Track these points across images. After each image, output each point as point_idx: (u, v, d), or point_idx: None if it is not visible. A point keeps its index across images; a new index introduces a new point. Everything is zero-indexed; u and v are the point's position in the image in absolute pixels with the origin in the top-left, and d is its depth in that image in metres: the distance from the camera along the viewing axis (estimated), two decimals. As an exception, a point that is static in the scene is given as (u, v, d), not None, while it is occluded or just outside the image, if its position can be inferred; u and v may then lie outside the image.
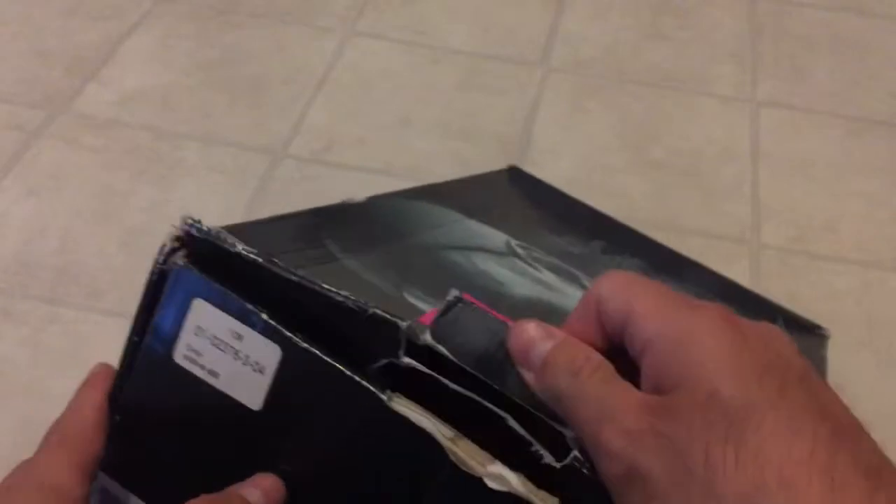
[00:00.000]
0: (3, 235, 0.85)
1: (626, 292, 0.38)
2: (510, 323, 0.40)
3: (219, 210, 0.88)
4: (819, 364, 0.61)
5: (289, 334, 0.40)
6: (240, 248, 0.41)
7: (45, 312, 0.78)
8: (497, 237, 0.58)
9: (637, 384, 0.37)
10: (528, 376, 0.38)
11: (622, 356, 0.38)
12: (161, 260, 0.45)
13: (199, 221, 0.44)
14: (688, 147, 0.99)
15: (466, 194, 0.67)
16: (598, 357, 0.38)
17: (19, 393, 0.73)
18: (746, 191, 0.95)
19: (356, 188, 0.92)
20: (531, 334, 0.39)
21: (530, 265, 0.56)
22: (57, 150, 0.93)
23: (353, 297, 0.39)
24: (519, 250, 0.57)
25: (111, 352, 0.77)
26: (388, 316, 0.39)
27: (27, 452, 0.69)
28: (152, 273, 0.45)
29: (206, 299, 0.42)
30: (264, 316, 0.40)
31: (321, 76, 1.04)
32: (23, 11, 1.09)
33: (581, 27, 1.14)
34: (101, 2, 1.11)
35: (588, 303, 0.39)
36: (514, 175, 0.76)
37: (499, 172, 0.75)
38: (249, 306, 0.41)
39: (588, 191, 0.93)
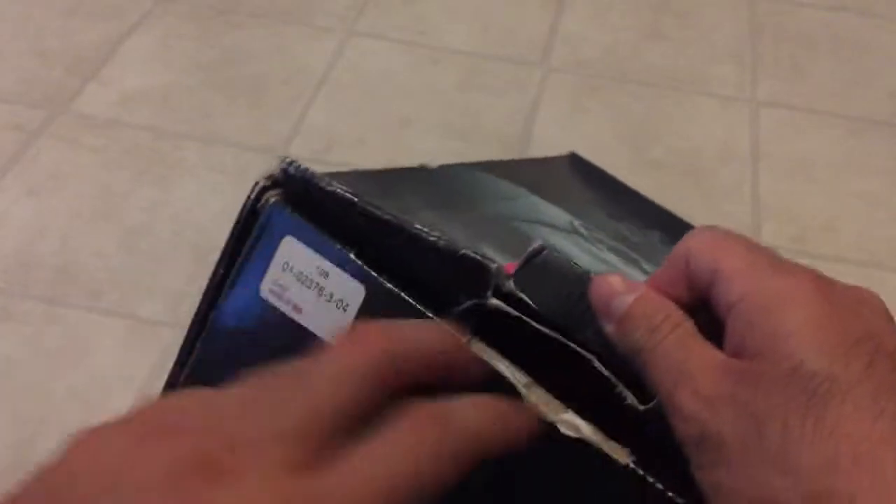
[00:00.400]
0: (3, 235, 0.85)
1: (716, 249, 0.37)
2: (592, 274, 0.40)
3: (219, 210, 0.88)
4: None
5: (374, 274, 0.41)
6: (335, 186, 0.42)
7: (45, 312, 0.78)
8: (562, 216, 0.58)
9: (720, 344, 0.35)
10: (609, 328, 0.38)
11: (707, 313, 0.37)
12: (253, 197, 0.46)
13: (296, 161, 0.44)
14: (688, 147, 0.99)
15: (531, 173, 0.67)
16: (679, 314, 0.37)
17: (19, 392, 0.73)
18: (746, 191, 0.95)
19: (356, 188, 0.92)
20: (614, 286, 0.38)
21: (594, 245, 0.56)
22: (57, 150, 0.93)
23: (445, 238, 0.40)
24: (582, 230, 0.57)
25: (111, 352, 0.77)
26: (478, 257, 0.39)
27: (27, 451, 0.70)
28: (244, 209, 0.46)
29: (296, 236, 0.43)
30: (351, 255, 0.41)
31: (321, 76, 1.04)
32: (23, 11, 1.09)
33: (581, 27, 1.14)
34: (101, 2, 1.11)
35: (677, 257, 0.38)
36: (575, 161, 0.77)
37: (560, 157, 0.75)
38: (337, 245, 0.41)
39: (588, 191, 0.94)
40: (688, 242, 0.38)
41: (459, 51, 1.09)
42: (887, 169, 0.98)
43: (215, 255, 0.85)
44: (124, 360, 0.76)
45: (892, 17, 1.19)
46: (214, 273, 0.47)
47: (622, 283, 0.38)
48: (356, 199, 0.42)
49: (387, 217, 0.41)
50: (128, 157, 0.93)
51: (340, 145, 0.96)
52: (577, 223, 0.58)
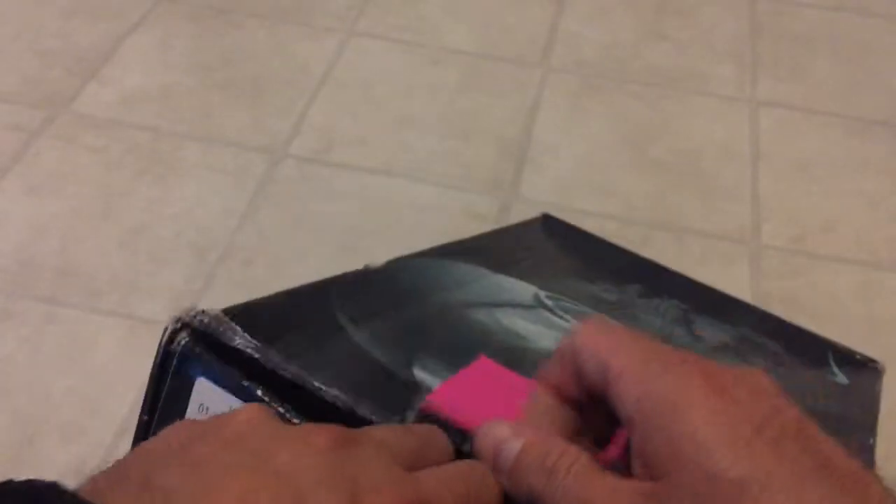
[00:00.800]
0: (3, 235, 0.85)
1: (603, 347, 0.36)
2: (477, 427, 0.40)
3: (219, 210, 0.88)
4: (872, 401, 0.59)
5: (282, 410, 0.42)
6: (237, 341, 0.43)
7: (45, 312, 0.78)
8: (525, 290, 0.58)
9: (626, 447, 0.35)
10: (501, 479, 0.36)
11: (603, 412, 0.36)
12: (165, 339, 0.47)
13: (203, 312, 0.46)
14: (688, 147, 0.99)
15: (495, 247, 0.66)
16: (572, 450, 0.35)
17: (19, 392, 0.73)
18: (746, 191, 0.95)
19: (356, 188, 0.92)
20: (498, 435, 0.37)
21: (559, 316, 0.56)
22: (57, 150, 0.93)
23: (342, 397, 0.41)
24: (547, 301, 0.57)
25: (111, 352, 0.77)
26: (373, 418, 0.40)
27: (27, 451, 0.70)
28: (158, 352, 0.47)
29: (208, 377, 0.45)
30: (259, 392, 0.42)
31: (321, 76, 1.04)
32: (23, 11, 1.09)
33: (581, 27, 1.14)
34: (101, 2, 1.11)
35: (564, 354, 0.37)
36: (548, 223, 0.76)
37: (532, 221, 0.75)
38: (246, 383, 0.43)
39: (588, 191, 0.93)
40: (574, 340, 0.37)
41: (459, 51, 1.09)
42: (887, 169, 0.98)
43: (215, 255, 0.86)
44: (124, 360, 0.76)
45: (892, 17, 1.19)
46: (139, 419, 0.48)
47: (507, 429, 0.37)
48: (257, 356, 0.43)
49: (287, 375, 0.42)
50: (128, 157, 0.93)
51: (340, 145, 0.96)
52: (543, 295, 0.57)
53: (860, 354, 0.65)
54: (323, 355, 0.43)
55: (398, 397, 0.42)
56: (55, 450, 0.69)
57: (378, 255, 0.91)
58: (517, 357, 0.49)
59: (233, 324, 0.44)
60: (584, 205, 0.92)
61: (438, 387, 0.45)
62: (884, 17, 1.19)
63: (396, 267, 0.57)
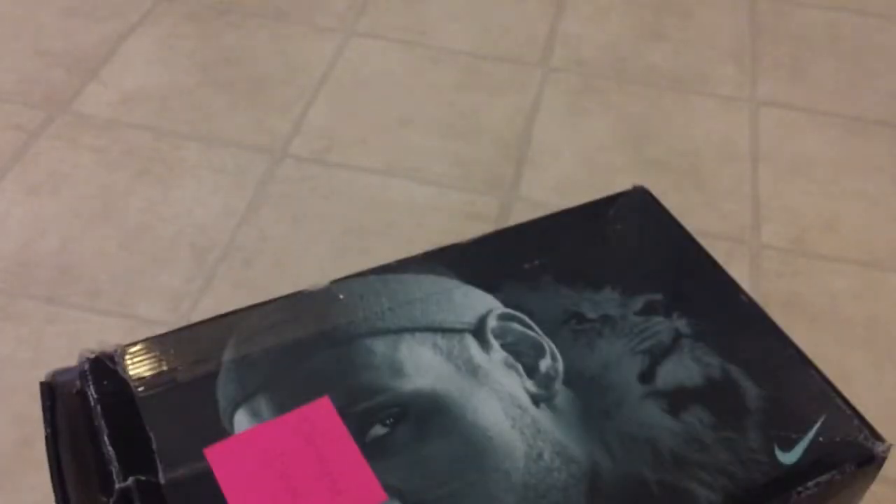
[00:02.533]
0: (3, 235, 0.85)
1: None
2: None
3: (219, 210, 0.88)
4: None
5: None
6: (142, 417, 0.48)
7: (44, 312, 0.78)
8: (479, 306, 0.55)
9: None
10: None
11: None
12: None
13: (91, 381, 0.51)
14: (688, 147, 0.99)
15: (493, 248, 0.61)
16: None
17: (19, 392, 0.73)
18: (746, 191, 0.95)
19: (356, 188, 0.92)
20: None
21: (484, 344, 0.53)
22: (57, 150, 0.93)
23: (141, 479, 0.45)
24: (492, 322, 0.54)
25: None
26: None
27: (27, 451, 0.70)
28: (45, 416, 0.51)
29: None
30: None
31: (321, 76, 1.04)
32: (23, 11, 1.09)
33: (581, 27, 1.14)
34: (101, 2, 1.11)
35: None
36: (633, 199, 0.67)
37: (619, 196, 0.67)
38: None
39: (588, 191, 0.93)
40: None
41: (459, 51, 1.09)
42: (887, 169, 0.98)
43: (215, 255, 0.86)
44: (124, 360, 0.76)
45: (892, 17, 1.19)
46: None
47: None
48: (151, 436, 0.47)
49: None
50: (128, 157, 0.93)
51: (340, 145, 0.96)
52: (496, 313, 0.55)
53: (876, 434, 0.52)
54: (175, 399, 0.47)
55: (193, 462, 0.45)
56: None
57: (378, 255, 0.92)
58: (370, 391, 0.49)
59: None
60: (584, 205, 0.92)
61: (228, 439, 0.47)
62: (884, 17, 1.19)
63: (337, 289, 0.56)
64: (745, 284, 0.84)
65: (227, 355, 0.51)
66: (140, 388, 0.50)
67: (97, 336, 0.77)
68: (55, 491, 0.47)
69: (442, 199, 0.91)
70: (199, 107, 0.99)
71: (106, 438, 0.47)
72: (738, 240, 0.90)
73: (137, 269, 0.83)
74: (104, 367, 0.51)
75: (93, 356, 0.52)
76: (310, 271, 0.84)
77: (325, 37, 1.10)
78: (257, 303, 0.54)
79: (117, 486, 0.45)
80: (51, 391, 0.52)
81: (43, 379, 0.50)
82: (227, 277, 0.82)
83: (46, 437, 0.49)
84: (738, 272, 0.85)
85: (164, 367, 0.51)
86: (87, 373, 0.52)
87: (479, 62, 1.08)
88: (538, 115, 1.02)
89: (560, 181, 0.94)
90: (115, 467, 0.46)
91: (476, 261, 0.58)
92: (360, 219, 0.89)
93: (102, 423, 0.48)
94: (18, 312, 0.78)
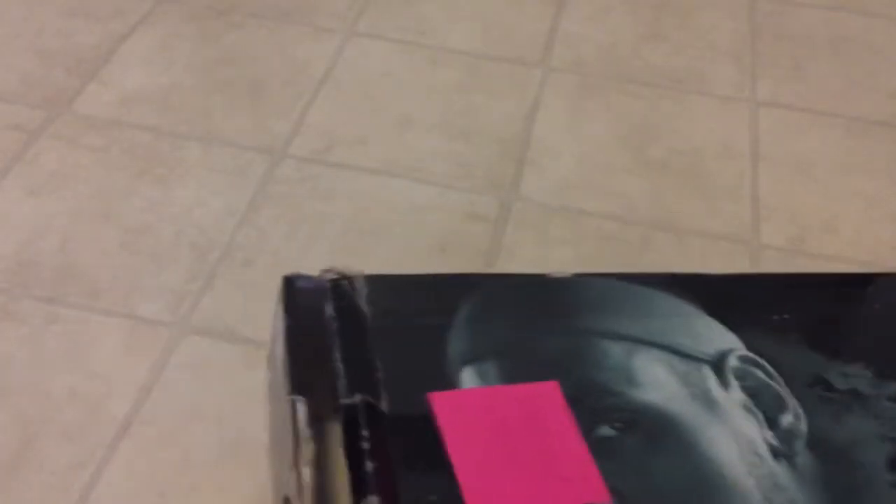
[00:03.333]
0: (3, 235, 0.85)
1: None
2: None
3: (219, 210, 0.88)
4: None
5: None
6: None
7: (45, 312, 0.78)
8: (720, 342, 0.54)
9: None
10: None
11: None
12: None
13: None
14: (688, 147, 0.99)
15: (741, 289, 0.60)
16: None
17: (19, 391, 0.73)
18: (746, 191, 0.95)
19: (356, 188, 0.92)
20: None
21: (726, 387, 0.52)
22: (57, 150, 0.93)
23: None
24: (733, 361, 0.53)
25: (111, 352, 0.77)
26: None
27: (27, 450, 0.70)
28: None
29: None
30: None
31: (321, 76, 1.04)
32: (23, 12, 1.09)
33: (581, 27, 1.14)
34: (101, 2, 1.11)
35: None
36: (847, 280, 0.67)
37: (883, 275, 0.65)
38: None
39: (588, 191, 0.93)
40: None
41: (459, 51, 1.09)
42: (887, 169, 0.98)
43: (215, 255, 0.86)
44: (124, 360, 0.76)
45: (893, 17, 1.19)
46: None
47: None
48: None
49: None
50: (128, 157, 0.93)
51: (340, 145, 0.96)
52: (737, 355, 0.53)
53: None
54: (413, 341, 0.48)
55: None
56: (55, 450, 0.69)
57: (378, 255, 0.92)
58: (598, 394, 0.50)
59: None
60: (584, 205, 0.92)
61: (455, 391, 0.48)
62: (884, 17, 1.19)
63: (578, 281, 0.56)
64: (745, 284, 0.85)
65: (464, 312, 0.53)
66: (375, 318, 0.51)
67: (97, 336, 0.77)
68: (290, 377, 0.48)
69: (442, 199, 0.91)
70: (199, 107, 0.99)
71: (337, 354, 0.48)
72: (738, 240, 0.90)
73: (137, 268, 0.83)
74: (344, 288, 0.52)
75: (336, 276, 0.53)
76: (310, 271, 0.84)
77: (325, 37, 1.10)
78: (500, 272, 0.56)
79: (342, 401, 0.46)
80: (291, 287, 0.53)
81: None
82: (227, 277, 0.82)
83: (286, 328, 0.51)
84: (739, 272, 0.85)
85: (400, 306, 0.52)
86: (328, 290, 0.52)
87: (479, 62, 1.08)
88: (538, 115, 1.02)
89: (560, 181, 0.94)
90: (342, 383, 0.47)
91: (721, 296, 0.57)
92: (360, 219, 0.89)
93: (337, 340, 0.49)
94: (19, 312, 0.78)
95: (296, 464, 0.45)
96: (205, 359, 0.76)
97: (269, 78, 1.03)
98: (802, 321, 0.57)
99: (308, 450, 0.45)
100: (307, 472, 0.44)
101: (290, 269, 0.84)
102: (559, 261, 0.86)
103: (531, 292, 0.55)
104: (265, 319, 0.80)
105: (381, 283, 0.53)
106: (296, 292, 0.53)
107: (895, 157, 1.00)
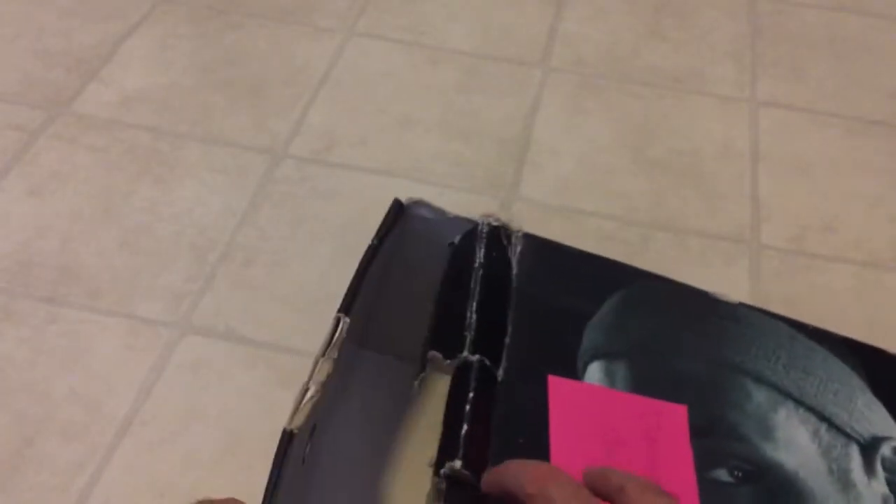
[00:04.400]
0: (3, 235, 0.85)
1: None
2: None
3: (219, 210, 0.88)
4: None
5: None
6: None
7: (45, 312, 0.78)
8: (879, 424, 0.50)
9: None
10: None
11: None
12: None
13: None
14: (687, 147, 0.99)
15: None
16: None
17: (19, 392, 0.73)
18: (746, 191, 0.95)
19: (356, 188, 0.92)
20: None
21: (870, 466, 0.48)
22: (57, 151, 0.93)
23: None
24: (888, 451, 0.49)
25: (111, 352, 0.77)
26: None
27: (27, 451, 0.70)
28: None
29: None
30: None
31: (321, 76, 1.04)
32: (23, 11, 1.09)
33: (581, 27, 1.14)
34: (101, 2, 1.11)
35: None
36: None
37: None
38: None
39: (588, 191, 0.93)
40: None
41: (459, 51, 1.09)
42: (887, 169, 0.98)
43: (215, 255, 0.86)
44: (124, 360, 0.76)
45: (892, 17, 1.19)
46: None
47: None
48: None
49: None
50: (128, 157, 0.93)
51: (340, 145, 0.96)
52: (892, 445, 0.50)
53: None
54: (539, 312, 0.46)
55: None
56: (55, 450, 0.69)
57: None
58: (733, 444, 0.46)
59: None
60: (584, 205, 0.92)
61: (577, 381, 0.46)
62: (884, 17, 1.19)
63: (741, 311, 0.52)
64: (745, 284, 0.85)
65: (610, 304, 0.50)
66: (521, 280, 0.49)
67: (97, 336, 0.77)
68: (346, 298, 0.46)
69: (442, 199, 0.91)
70: (199, 107, 0.99)
71: (474, 304, 0.47)
72: (738, 240, 0.90)
73: (138, 268, 0.83)
74: (497, 239, 0.50)
75: (496, 224, 0.51)
76: (310, 271, 0.84)
77: (325, 37, 1.10)
78: (660, 274, 0.53)
79: (464, 354, 0.44)
80: (400, 210, 0.52)
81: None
82: (227, 277, 0.82)
83: (370, 247, 0.50)
84: (739, 272, 0.85)
85: (550, 276, 0.49)
86: (484, 235, 0.51)
87: (479, 62, 1.08)
88: (538, 115, 1.02)
89: (560, 181, 0.94)
90: (469, 335, 0.45)
91: (892, 379, 0.53)
92: (360, 219, 0.89)
93: (477, 288, 0.48)
94: (19, 312, 0.78)
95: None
96: (205, 359, 0.76)
97: (269, 78, 1.03)
98: None
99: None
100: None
101: (291, 269, 0.84)
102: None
103: (688, 305, 0.52)
104: (265, 319, 0.80)
105: (537, 246, 0.51)
106: (405, 214, 0.52)
107: (895, 157, 1.00)
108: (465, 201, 0.91)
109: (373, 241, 0.50)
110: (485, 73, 1.07)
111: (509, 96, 1.04)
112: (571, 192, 0.93)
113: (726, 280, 0.85)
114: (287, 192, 0.91)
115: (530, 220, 0.90)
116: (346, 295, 0.47)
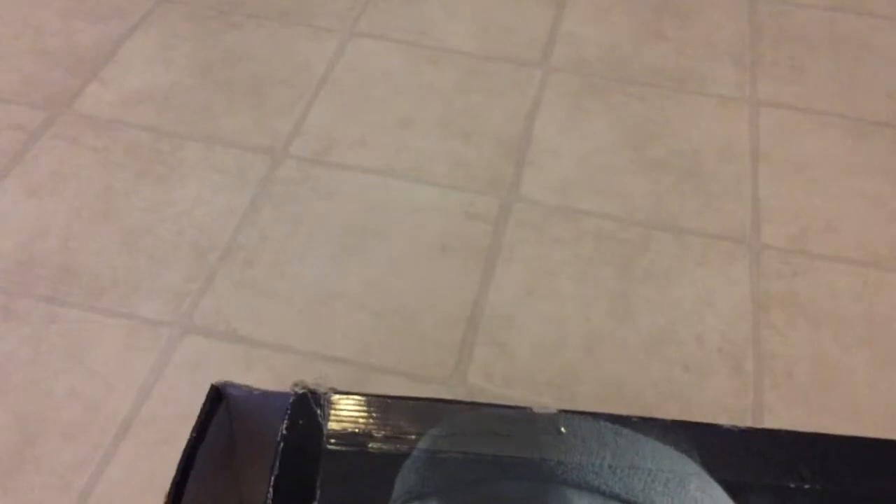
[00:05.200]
0: (3, 235, 0.85)
1: None
2: None
3: (219, 210, 0.88)
4: None
5: None
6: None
7: (45, 311, 0.78)
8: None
9: None
10: None
11: None
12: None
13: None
14: (688, 147, 0.99)
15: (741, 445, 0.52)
16: None
17: (20, 390, 0.73)
18: (746, 191, 0.95)
19: (356, 188, 0.92)
20: None
21: None
22: (58, 150, 0.93)
23: None
24: None
25: (111, 352, 0.77)
26: None
27: (27, 451, 0.70)
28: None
29: None
30: None
31: (321, 76, 1.04)
32: (23, 12, 1.09)
33: (581, 27, 1.14)
34: (102, 2, 1.11)
35: None
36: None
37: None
38: None
39: (588, 191, 0.93)
40: None
41: (459, 51, 1.09)
42: (887, 169, 0.98)
43: (216, 255, 0.86)
44: (124, 360, 0.76)
45: (892, 17, 1.19)
46: None
47: None
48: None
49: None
50: (128, 157, 0.93)
51: (340, 145, 0.96)
52: None
53: None
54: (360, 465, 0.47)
55: None
56: (55, 450, 0.69)
57: (378, 255, 0.92)
58: None
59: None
60: (584, 205, 0.92)
61: None
62: (884, 17, 1.19)
63: (560, 419, 0.50)
64: (745, 284, 0.85)
65: (423, 444, 0.50)
66: (332, 441, 0.49)
67: (97, 335, 0.77)
68: (169, 493, 0.47)
69: (442, 199, 0.91)
70: (199, 107, 0.99)
71: (273, 479, 0.46)
72: (738, 240, 0.90)
73: (138, 268, 0.83)
74: (307, 406, 0.50)
75: (301, 391, 0.51)
76: (310, 271, 0.84)
77: (325, 37, 1.10)
78: (475, 401, 0.52)
79: None
80: (217, 399, 0.52)
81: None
82: (227, 277, 0.83)
83: (189, 440, 0.49)
84: (739, 272, 0.86)
85: (360, 429, 0.50)
86: (289, 406, 0.50)
87: (479, 62, 1.08)
88: (538, 115, 1.02)
89: (560, 181, 0.94)
90: None
91: (729, 454, 0.50)
92: (360, 219, 0.89)
93: (277, 462, 0.47)
94: (19, 312, 0.78)
95: None
96: (205, 359, 0.76)
97: (269, 78, 1.03)
98: (827, 491, 0.48)
99: None
100: None
101: (291, 269, 0.84)
102: (559, 260, 0.86)
103: (505, 427, 0.50)
104: (265, 319, 0.80)
105: (348, 404, 0.51)
106: (223, 400, 0.51)
107: (895, 156, 1.00)
108: (465, 201, 0.91)
109: (191, 434, 0.50)
110: (485, 73, 1.07)
111: (509, 96, 1.04)
112: (571, 192, 0.93)
113: (726, 280, 0.85)
114: (287, 192, 0.91)
115: (530, 220, 0.90)
116: (170, 491, 0.47)
